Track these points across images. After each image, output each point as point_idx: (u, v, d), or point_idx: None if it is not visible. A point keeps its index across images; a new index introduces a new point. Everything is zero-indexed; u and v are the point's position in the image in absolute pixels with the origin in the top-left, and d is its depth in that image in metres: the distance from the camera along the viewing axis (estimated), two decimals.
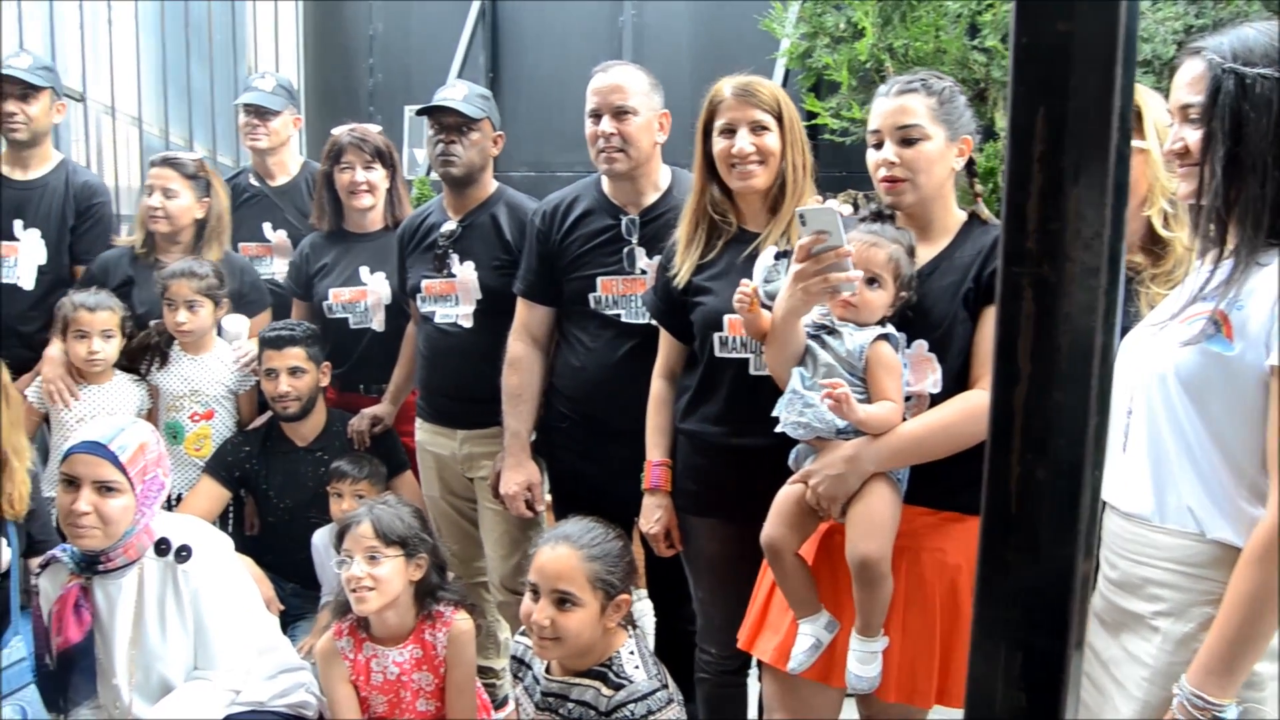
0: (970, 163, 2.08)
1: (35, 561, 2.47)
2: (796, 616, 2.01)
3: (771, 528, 2.02)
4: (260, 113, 3.54)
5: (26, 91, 3.33)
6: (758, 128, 2.23)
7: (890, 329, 1.95)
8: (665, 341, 2.42)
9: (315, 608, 3.04)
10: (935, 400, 1.96)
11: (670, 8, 5.47)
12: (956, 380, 1.96)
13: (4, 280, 3.37)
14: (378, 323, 3.17)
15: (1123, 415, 1.57)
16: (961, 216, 2.07)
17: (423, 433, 2.99)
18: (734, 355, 2.25)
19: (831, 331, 1.97)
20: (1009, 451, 0.76)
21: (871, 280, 1.92)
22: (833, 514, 1.96)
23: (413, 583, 2.36)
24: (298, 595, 3.08)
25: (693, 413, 2.33)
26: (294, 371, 2.97)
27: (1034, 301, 0.73)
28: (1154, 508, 1.51)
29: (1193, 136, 1.50)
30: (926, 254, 2.03)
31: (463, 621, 2.39)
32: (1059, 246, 0.72)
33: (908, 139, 1.98)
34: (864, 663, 1.93)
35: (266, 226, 3.52)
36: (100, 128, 5.49)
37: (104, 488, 2.21)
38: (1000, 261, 0.74)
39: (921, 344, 1.98)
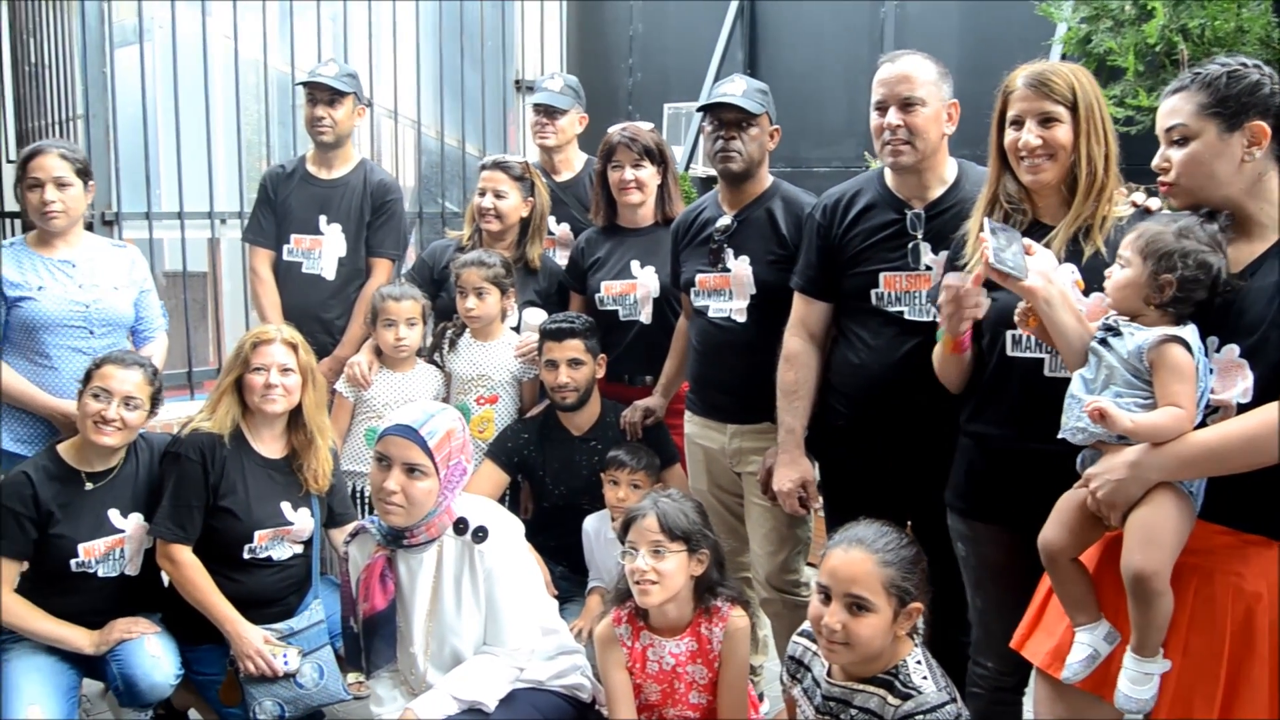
0: None
1: (345, 531, 2.66)
2: (1073, 624, 1.92)
3: (1050, 530, 1.94)
4: (550, 111, 3.73)
5: (333, 97, 3.61)
6: (1047, 120, 2.12)
7: (1183, 330, 1.81)
8: None
9: (582, 591, 3.14)
10: (1244, 410, 1.80)
11: None
12: (1269, 390, 1.78)
13: (308, 270, 3.67)
14: (645, 315, 3.25)
15: None
16: None
17: (692, 426, 3.02)
18: (1027, 355, 2.14)
19: (1117, 332, 1.86)
20: None
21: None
22: (1113, 521, 1.86)
23: (693, 578, 2.38)
24: (566, 579, 3.19)
25: (979, 414, 2.24)
26: (573, 363, 3.07)
27: None
28: None
29: None
30: (1247, 254, 1.87)
31: (739, 618, 2.40)
32: None
33: (1175, 141, 1.90)
34: (1136, 683, 1.82)
35: (551, 220, 3.68)
36: (380, 130, 5.88)
37: (412, 469, 2.34)
38: None
39: (1233, 349, 1.83)
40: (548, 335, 3.11)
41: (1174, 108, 1.90)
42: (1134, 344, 1.82)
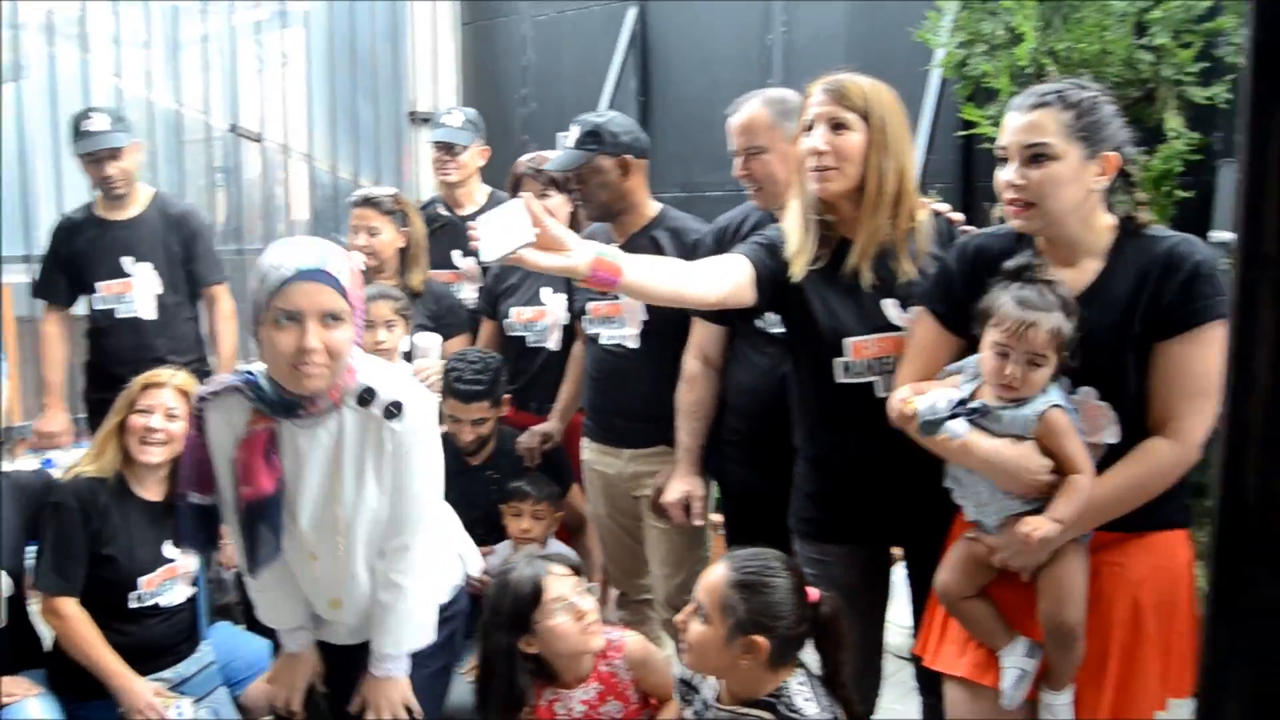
0: (1125, 176, 1.88)
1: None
2: (993, 650, 1.96)
3: (945, 576, 1.99)
4: (449, 148, 3.71)
5: (112, 153, 3.57)
6: (838, 126, 2.06)
7: (1059, 396, 1.84)
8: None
9: None
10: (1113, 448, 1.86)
11: (821, 24, 5.43)
12: (1130, 425, 1.85)
13: (123, 315, 3.64)
14: (553, 342, 3.26)
15: None
16: (1111, 229, 1.89)
17: (589, 452, 3.03)
18: (858, 380, 2.14)
19: (985, 413, 1.84)
20: (1245, 464, 0.73)
21: (1034, 362, 1.81)
22: (1024, 578, 1.91)
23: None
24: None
25: (815, 438, 2.25)
26: (477, 422, 3.05)
27: (1273, 307, 0.70)
28: None
29: None
30: (1076, 280, 1.87)
31: (632, 638, 2.36)
32: None
33: (1036, 158, 1.81)
34: (1059, 715, 1.90)
35: (456, 254, 3.68)
36: (272, 165, 5.80)
37: (329, 318, 1.92)
38: (1237, 267, 0.72)
39: (1090, 391, 1.87)
40: (454, 394, 3.04)
41: (1037, 123, 1.81)
42: (1022, 423, 1.82)
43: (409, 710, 2.20)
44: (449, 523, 2.45)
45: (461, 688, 2.71)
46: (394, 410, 2.02)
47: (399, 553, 2.14)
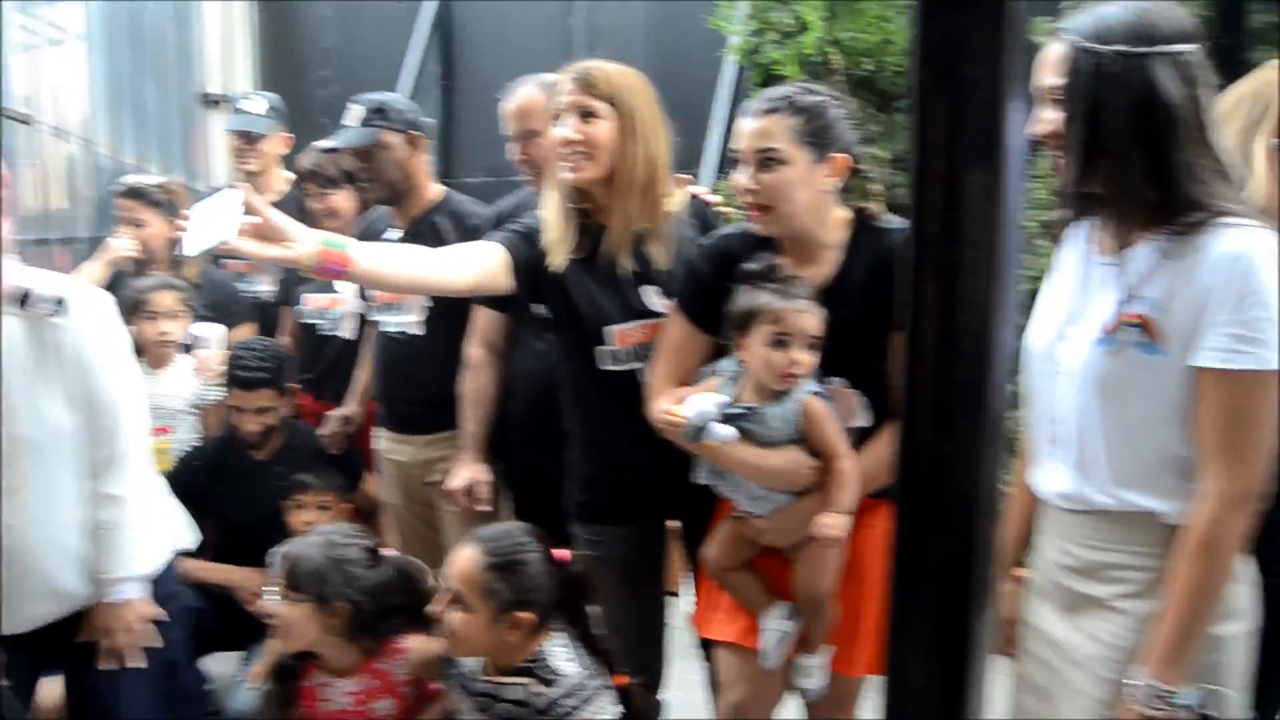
0: (859, 174, 1.99)
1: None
2: (755, 614, 2.03)
3: (713, 552, 2.06)
4: (249, 136, 3.59)
5: None
6: (587, 115, 2.07)
7: (814, 385, 1.93)
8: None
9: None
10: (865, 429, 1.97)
11: (622, 8, 5.49)
12: (879, 407, 1.96)
13: None
14: (348, 330, 3.20)
15: (1054, 413, 1.58)
16: (845, 223, 1.99)
17: (383, 441, 2.98)
18: (624, 367, 2.16)
19: (749, 416, 1.90)
20: (918, 431, 0.78)
21: (811, 346, 1.89)
22: (787, 553, 2.00)
23: (331, 627, 2.14)
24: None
25: (587, 420, 2.27)
26: (261, 411, 2.95)
27: (937, 284, 0.75)
28: (1106, 499, 1.52)
29: (1056, 119, 1.48)
30: (817, 274, 1.96)
31: (415, 643, 2.22)
32: (959, 231, 0.74)
33: (767, 162, 1.89)
34: (811, 677, 2.01)
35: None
36: (46, 150, 5.45)
37: None
38: (910, 247, 0.76)
39: (840, 380, 1.97)
40: (236, 382, 2.93)
41: (766, 129, 1.89)
42: (788, 415, 1.89)
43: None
44: (156, 483, 2.29)
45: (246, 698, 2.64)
46: (58, 306, 1.85)
47: (109, 464, 2.00)
